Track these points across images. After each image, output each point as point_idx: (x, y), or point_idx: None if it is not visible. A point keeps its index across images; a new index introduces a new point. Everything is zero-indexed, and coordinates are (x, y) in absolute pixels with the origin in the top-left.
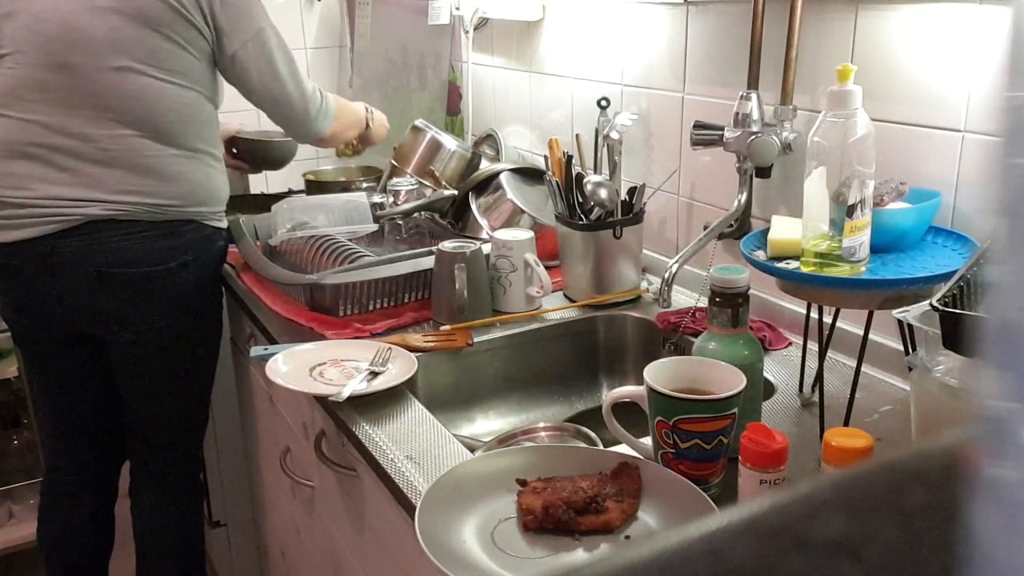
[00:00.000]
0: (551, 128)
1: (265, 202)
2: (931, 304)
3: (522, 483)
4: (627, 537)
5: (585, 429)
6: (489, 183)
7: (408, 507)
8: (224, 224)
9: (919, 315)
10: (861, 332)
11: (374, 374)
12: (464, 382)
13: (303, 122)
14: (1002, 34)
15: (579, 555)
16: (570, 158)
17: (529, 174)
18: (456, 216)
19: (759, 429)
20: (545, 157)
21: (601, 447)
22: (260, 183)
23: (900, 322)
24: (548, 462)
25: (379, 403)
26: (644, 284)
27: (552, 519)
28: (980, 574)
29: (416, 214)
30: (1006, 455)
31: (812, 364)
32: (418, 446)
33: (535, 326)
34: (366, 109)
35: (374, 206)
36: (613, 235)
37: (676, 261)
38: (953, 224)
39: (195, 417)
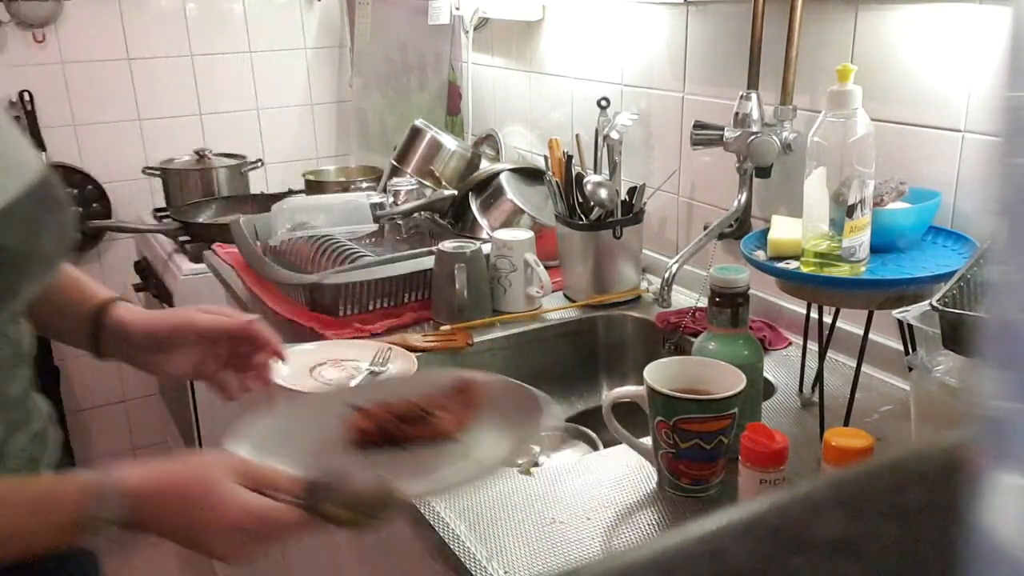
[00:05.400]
0: (551, 128)
1: (265, 202)
2: (931, 304)
3: (356, 409)
4: (458, 443)
5: (585, 429)
6: (489, 183)
7: (408, 507)
8: None
9: (919, 315)
10: (861, 332)
11: (374, 374)
12: None
13: None
14: (1002, 34)
15: (407, 460)
16: (570, 158)
17: (529, 174)
18: (456, 216)
19: (759, 429)
20: (545, 157)
21: (601, 448)
22: (260, 183)
23: (900, 322)
24: (384, 393)
25: None
26: (644, 284)
27: (379, 432)
28: (981, 574)
29: (416, 214)
30: (1006, 455)
31: (812, 364)
32: None
33: (535, 326)
34: None
35: (374, 206)
36: (613, 235)
37: (676, 261)
38: (953, 224)
39: None
